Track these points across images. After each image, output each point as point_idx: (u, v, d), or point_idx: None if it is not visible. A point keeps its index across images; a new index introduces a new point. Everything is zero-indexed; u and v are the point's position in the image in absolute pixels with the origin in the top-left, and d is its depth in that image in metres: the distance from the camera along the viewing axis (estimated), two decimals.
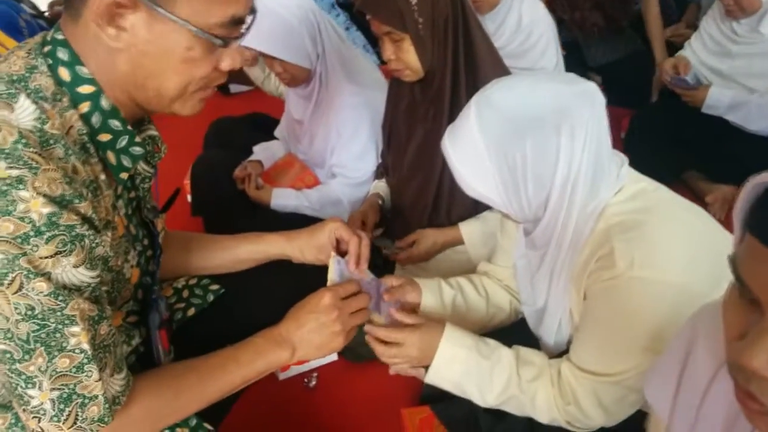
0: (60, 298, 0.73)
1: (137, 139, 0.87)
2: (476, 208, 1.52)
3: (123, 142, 0.86)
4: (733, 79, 2.25)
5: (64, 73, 0.79)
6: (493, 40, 2.00)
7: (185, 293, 1.19)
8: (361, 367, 1.52)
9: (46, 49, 0.80)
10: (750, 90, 2.19)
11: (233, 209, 1.85)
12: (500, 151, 0.96)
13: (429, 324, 1.11)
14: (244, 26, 0.83)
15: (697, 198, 2.13)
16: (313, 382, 1.51)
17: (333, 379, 1.52)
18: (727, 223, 1.06)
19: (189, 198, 2.06)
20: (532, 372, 1.06)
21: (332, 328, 0.99)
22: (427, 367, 1.11)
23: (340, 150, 1.85)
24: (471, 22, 1.42)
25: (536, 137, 0.94)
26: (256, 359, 0.96)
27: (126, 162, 0.87)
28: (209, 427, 0.99)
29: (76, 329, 0.75)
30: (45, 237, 0.71)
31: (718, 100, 2.19)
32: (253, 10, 0.84)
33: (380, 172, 1.74)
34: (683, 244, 0.93)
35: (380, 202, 1.69)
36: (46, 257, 0.71)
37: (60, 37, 0.80)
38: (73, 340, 0.75)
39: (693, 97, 2.22)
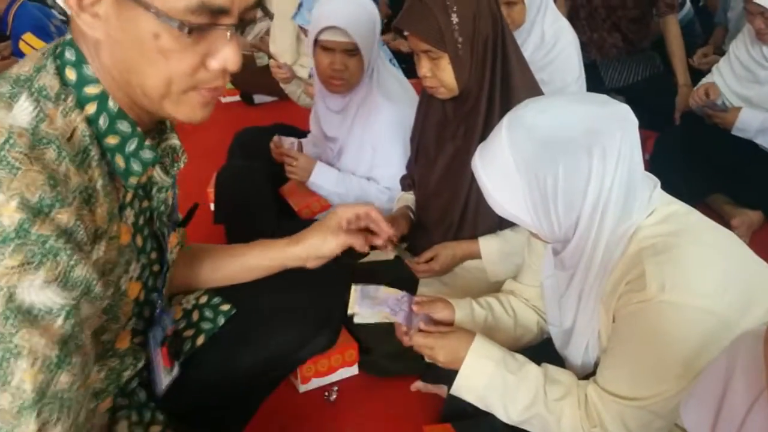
0: (11, 321, 0.65)
1: (147, 143, 0.83)
2: (500, 227, 1.52)
3: (132, 145, 0.82)
4: (759, 105, 2.24)
5: (71, 73, 0.77)
6: None
7: (195, 315, 1.12)
8: (382, 382, 1.52)
9: (58, 50, 0.78)
10: None
11: (256, 218, 1.86)
12: (531, 171, 0.96)
13: (460, 332, 1.14)
14: (230, 19, 0.74)
15: (722, 221, 2.11)
16: (334, 396, 1.51)
17: (354, 394, 1.51)
18: (752, 247, 1.06)
19: (212, 206, 2.08)
20: (559, 391, 1.05)
21: None
22: (450, 384, 1.11)
23: (376, 166, 1.87)
24: (509, 44, 1.43)
25: (568, 159, 0.94)
26: None
27: (136, 166, 0.83)
28: None
29: (23, 364, 0.66)
30: (12, 246, 0.65)
31: (749, 123, 2.18)
32: (258, 5, 0.78)
33: (407, 184, 1.75)
34: (715, 269, 0.93)
35: (411, 215, 1.69)
36: (10, 268, 0.65)
37: (68, 36, 0.78)
38: (18, 376, 0.66)
39: (723, 119, 2.21)
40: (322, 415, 1.47)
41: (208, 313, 1.12)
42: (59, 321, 0.69)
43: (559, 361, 1.15)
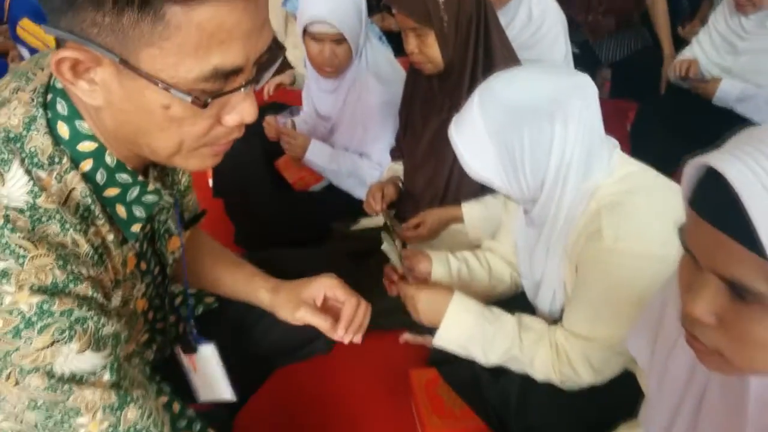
0: (59, 391, 0.68)
1: (150, 188, 0.80)
2: (482, 194, 1.62)
3: (134, 193, 0.79)
4: (739, 76, 2.32)
5: (63, 130, 0.71)
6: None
7: (178, 300, 1.12)
8: (374, 335, 1.61)
9: (49, 97, 0.71)
10: (757, 86, 2.27)
11: (252, 191, 1.95)
12: (500, 138, 1.06)
13: (439, 287, 1.24)
14: (245, 76, 0.67)
15: None
16: None
17: (347, 344, 1.61)
18: None
19: (210, 182, 2.16)
20: (532, 336, 1.16)
21: None
22: (434, 333, 1.22)
23: (367, 142, 1.96)
24: (491, 22, 1.52)
25: (533, 126, 1.04)
26: None
27: (138, 213, 0.80)
28: None
29: (82, 420, 0.71)
30: (37, 328, 0.65)
31: (728, 93, 2.26)
32: (277, 46, 0.71)
33: (396, 155, 1.85)
34: (663, 219, 1.02)
35: (400, 184, 1.80)
36: (42, 348, 0.65)
37: (59, 86, 0.71)
38: (81, 430, 0.71)
39: (704, 89, 2.29)
40: (315, 363, 1.57)
41: (190, 301, 1.14)
42: (106, 375, 0.72)
43: (530, 310, 1.27)
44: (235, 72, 0.65)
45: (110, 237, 0.76)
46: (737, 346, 0.57)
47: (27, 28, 3.20)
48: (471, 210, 1.63)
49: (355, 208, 1.90)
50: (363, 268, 1.67)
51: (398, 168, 1.82)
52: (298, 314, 1.05)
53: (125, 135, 0.71)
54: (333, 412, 1.50)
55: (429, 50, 1.48)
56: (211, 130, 0.70)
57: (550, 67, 1.20)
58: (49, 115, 0.70)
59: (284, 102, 2.50)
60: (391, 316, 1.58)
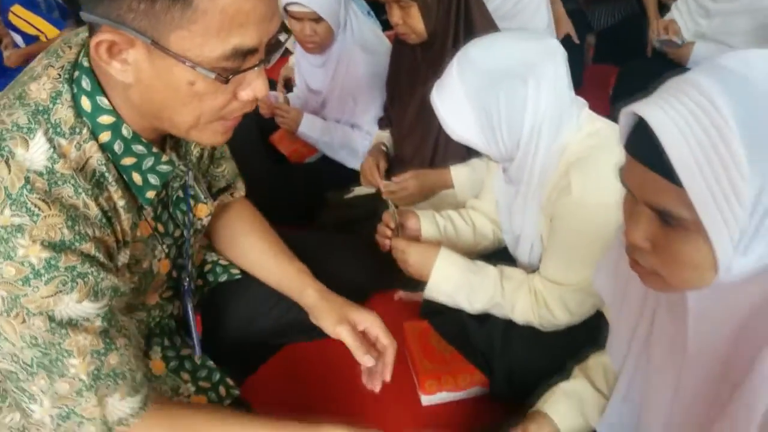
0: (57, 334, 0.76)
1: (164, 158, 0.88)
2: (469, 158, 1.72)
3: (149, 162, 0.86)
4: (713, 39, 2.40)
5: (86, 103, 0.79)
6: (487, 3, 2.18)
7: (207, 268, 1.22)
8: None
9: (76, 74, 0.79)
10: (729, 48, 2.35)
11: (248, 164, 2.02)
12: (478, 100, 1.15)
13: (427, 243, 1.34)
14: (259, 55, 0.76)
15: None
16: None
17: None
18: None
19: None
20: (513, 285, 1.27)
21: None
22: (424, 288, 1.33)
23: (359, 114, 2.04)
24: None
25: (507, 88, 1.13)
26: None
27: (153, 180, 0.88)
28: (231, 382, 1.10)
29: (74, 361, 0.78)
30: (44, 279, 0.73)
31: (702, 56, 2.35)
32: (284, 30, 0.79)
33: (383, 124, 1.94)
34: None
35: (385, 149, 1.89)
36: (47, 296, 0.74)
37: (86, 64, 0.79)
38: (72, 370, 0.79)
39: (679, 55, 2.37)
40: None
41: (218, 269, 1.23)
42: (97, 322, 0.80)
43: (511, 263, 1.37)
44: (251, 52, 0.74)
45: (121, 202, 0.83)
46: (669, 265, 0.67)
47: (19, 14, 3.21)
48: (459, 173, 1.72)
49: (348, 177, 2.00)
50: (358, 234, 1.76)
51: (384, 135, 1.92)
52: (339, 329, 1.05)
53: (150, 109, 0.79)
54: (333, 365, 1.54)
55: (412, 21, 1.57)
56: (228, 105, 0.79)
57: (523, 33, 1.28)
58: (74, 90, 0.78)
59: (275, 78, 2.58)
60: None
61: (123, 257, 0.87)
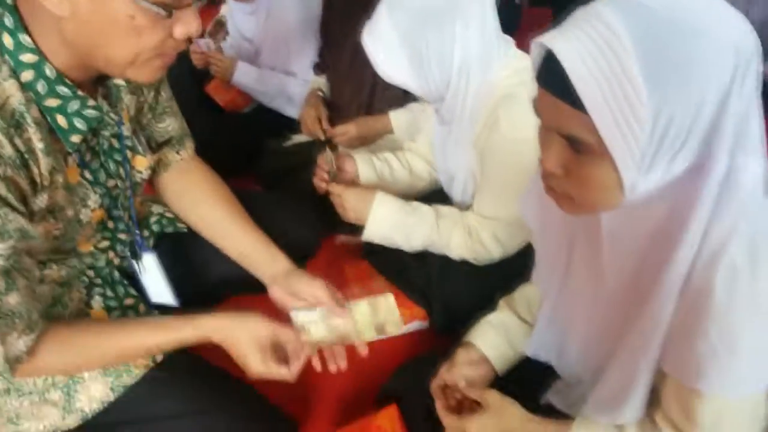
0: None
1: (90, 103, 0.87)
2: (406, 102, 1.73)
3: (75, 106, 0.85)
4: None
5: (8, 40, 0.78)
6: None
7: (153, 219, 1.24)
8: None
9: None
10: None
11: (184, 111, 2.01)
12: (408, 40, 1.16)
13: (364, 188, 1.36)
14: None
15: None
16: None
17: None
18: None
19: None
20: (447, 223, 1.31)
21: (249, 372, 1.00)
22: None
23: (293, 60, 2.02)
24: None
25: (436, 27, 1.14)
26: (176, 345, 0.98)
27: (80, 125, 0.87)
28: None
29: None
30: None
31: None
32: None
33: (319, 69, 1.93)
34: None
35: (322, 95, 1.89)
36: None
37: (9, 1, 0.79)
38: None
39: None
40: None
41: (164, 221, 1.25)
42: (0, 262, 0.80)
43: (447, 203, 1.41)
44: None
45: (40, 145, 0.82)
46: (580, 188, 0.71)
47: None
48: (398, 117, 1.73)
49: (286, 125, 1.99)
50: (296, 181, 1.77)
51: (320, 80, 1.91)
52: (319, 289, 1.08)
53: (84, 45, 0.79)
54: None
55: None
56: (164, 43, 0.81)
57: None
58: None
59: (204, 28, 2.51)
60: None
61: (40, 201, 0.85)
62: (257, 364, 0.97)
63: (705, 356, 0.68)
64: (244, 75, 2.04)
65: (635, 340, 0.79)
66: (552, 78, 0.66)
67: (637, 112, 0.61)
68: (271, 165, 1.90)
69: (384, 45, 1.19)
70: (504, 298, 1.13)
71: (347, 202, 1.33)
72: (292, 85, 2.03)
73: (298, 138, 1.93)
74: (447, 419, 0.98)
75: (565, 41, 0.63)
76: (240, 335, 0.98)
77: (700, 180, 0.66)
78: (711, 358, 0.68)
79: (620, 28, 0.61)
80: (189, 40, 0.83)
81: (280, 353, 1.00)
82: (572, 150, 0.69)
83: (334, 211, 1.39)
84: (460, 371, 1.04)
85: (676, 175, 0.67)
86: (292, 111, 1.99)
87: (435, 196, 1.46)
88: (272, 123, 2.05)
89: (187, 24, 0.80)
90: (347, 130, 1.73)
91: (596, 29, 0.62)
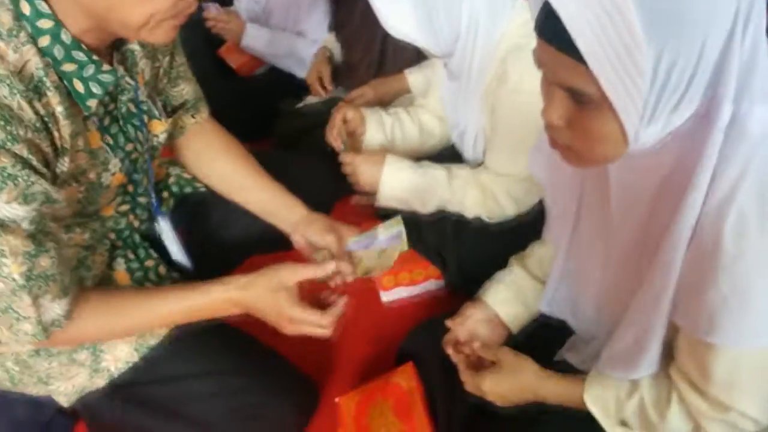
0: None
1: (105, 67, 0.89)
2: (419, 61, 1.69)
3: (90, 70, 0.88)
4: None
5: (25, 7, 0.80)
6: None
7: (171, 180, 1.28)
8: None
9: None
10: None
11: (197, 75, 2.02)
12: None
13: (374, 154, 1.35)
14: None
15: None
16: None
17: None
18: None
19: None
20: (460, 182, 1.30)
21: (283, 328, 0.99)
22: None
23: (303, 19, 2.00)
24: None
25: None
26: (205, 312, 0.99)
27: (96, 89, 0.89)
28: None
29: (6, 261, 0.81)
30: None
31: None
32: None
33: (333, 29, 1.90)
34: None
35: (328, 54, 1.86)
36: None
37: None
38: (5, 269, 0.81)
39: None
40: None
41: (182, 182, 1.29)
42: (25, 224, 0.81)
43: (458, 161, 1.39)
44: None
45: (59, 108, 0.84)
46: (583, 140, 0.69)
47: None
48: (414, 77, 1.70)
49: (300, 86, 1.97)
50: (312, 141, 1.76)
51: (329, 39, 1.89)
52: (329, 237, 1.12)
53: (98, 9, 0.81)
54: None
55: None
56: (176, 4, 0.82)
57: None
58: None
59: None
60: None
61: (62, 165, 0.87)
62: (290, 311, 0.96)
63: (716, 307, 0.67)
64: (254, 38, 2.02)
65: (647, 294, 0.78)
66: (551, 30, 0.63)
67: (636, 61, 0.59)
68: (286, 127, 1.89)
69: None
70: (515, 257, 1.12)
71: (358, 170, 1.33)
72: (303, 45, 2.00)
73: (311, 99, 1.91)
74: (464, 376, 0.98)
75: None
76: (260, 285, 0.98)
77: (705, 129, 0.64)
78: (722, 309, 0.67)
79: None
80: (199, 4, 0.85)
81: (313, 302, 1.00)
82: (574, 102, 0.67)
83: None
84: (470, 326, 1.04)
85: (681, 125, 0.65)
86: (303, 72, 1.96)
87: (446, 152, 1.45)
88: (286, 84, 2.03)
89: None
90: (364, 92, 1.71)
91: None
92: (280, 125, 1.92)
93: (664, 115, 0.64)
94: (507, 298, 1.07)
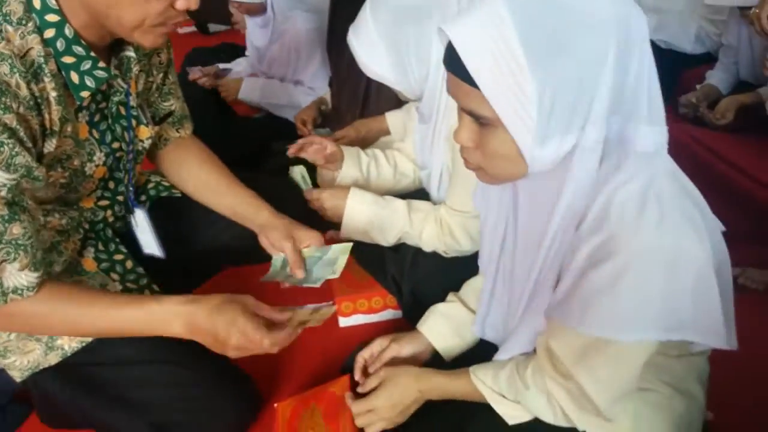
0: None
1: (101, 64, 1.00)
2: (399, 105, 1.81)
3: (87, 65, 0.98)
4: (655, 8, 2.52)
5: (36, 2, 0.91)
6: None
7: (150, 184, 1.39)
8: None
9: None
10: (666, 12, 2.47)
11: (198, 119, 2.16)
12: (389, 36, 1.24)
13: (339, 187, 1.43)
14: None
15: None
16: None
17: None
18: None
19: None
20: (420, 215, 1.37)
21: (230, 350, 1.00)
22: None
23: (301, 69, 2.16)
24: None
25: (415, 23, 1.22)
26: (148, 327, 1.00)
27: (89, 83, 0.99)
28: (156, 287, 1.24)
29: None
30: None
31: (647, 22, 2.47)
32: None
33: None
34: None
35: (322, 106, 2.00)
36: None
37: None
38: None
39: None
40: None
41: (160, 187, 1.40)
42: (3, 192, 0.89)
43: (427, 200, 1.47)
44: None
45: (53, 94, 0.94)
46: (488, 159, 0.78)
47: None
48: (394, 118, 1.80)
49: (293, 130, 2.10)
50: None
51: (327, 92, 2.02)
52: (284, 243, 1.20)
53: (97, 7, 0.92)
54: (263, 287, 1.43)
55: None
56: (167, 11, 0.93)
57: None
58: None
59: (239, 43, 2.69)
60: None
61: (49, 145, 0.97)
62: (244, 324, 0.97)
63: (590, 299, 0.73)
64: (249, 92, 2.20)
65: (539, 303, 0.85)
66: (453, 61, 0.73)
67: (524, 88, 0.68)
68: (275, 164, 2.00)
69: (367, 41, 1.27)
70: (452, 292, 1.19)
71: (325, 203, 1.40)
72: (300, 94, 2.15)
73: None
74: (354, 407, 1.05)
75: (459, 27, 0.71)
76: (215, 298, 1.00)
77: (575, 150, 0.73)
78: (595, 300, 0.73)
79: (504, 11, 0.68)
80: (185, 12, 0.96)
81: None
82: (478, 125, 0.76)
83: None
84: (391, 351, 1.13)
85: (573, 145, 0.73)
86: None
87: (417, 194, 1.52)
88: (282, 127, 2.16)
89: None
90: (347, 133, 1.81)
91: (485, 14, 0.69)
92: (271, 163, 2.03)
93: (555, 138, 0.72)
94: (442, 329, 1.14)
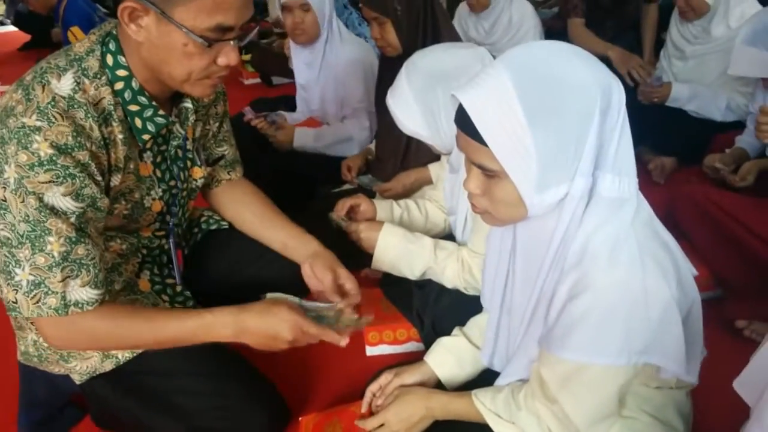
0: (43, 214, 0.99)
1: (161, 112, 1.15)
2: (435, 156, 1.95)
3: (149, 112, 1.14)
4: (686, 80, 2.61)
5: (110, 59, 1.07)
6: (487, 37, 2.66)
7: (202, 218, 1.54)
8: None
9: (106, 39, 1.08)
10: (698, 84, 2.57)
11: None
12: (421, 98, 1.41)
13: (371, 223, 1.57)
14: (233, 33, 1.04)
15: (643, 166, 2.51)
16: None
17: None
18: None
19: None
20: (445, 254, 1.50)
21: (281, 343, 1.15)
22: None
23: (348, 98, 2.35)
24: (438, 12, 1.89)
25: (444, 86, 1.38)
26: (202, 336, 1.14)
27: (150, 127, 1.15)
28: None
29: (51, 239, 1.00)
30: (44, 168, 0.98)
31: (680, 92, 2.58)
32: (253, 19, 1.06)
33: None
34: None
35: (369, 156, 2.17)
36: (43, 182, 0.98)
37: (114, 32, 1.09)
38: (49, 247, 1.00)
39: (660, 94, 2.60)
40: None
41: (211, 221, 1.55)
42: (72, 218, 1.02)
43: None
44: (229, 29, 1.03)
45: (120, 136, 1.10)
46: (493, 204, 0.91)
47: (76, 34, 3.57)
48: (436, 169, 1.95)
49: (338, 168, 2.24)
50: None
51: (372, 143, 2.22)
52: (326, 274, 1.32)
53: (154, 63, 1.07)
54: None
55: (388, 36, 1.85)
56: (209, 67, 1.07)
57: (457, 44, 1.55)
58: (104, 49, 1.09)
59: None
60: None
61: (114, 180, 1.12)
62: (292, 319, 1.12)
63: (568, 327, 0.84)
64: (303, 140, 2.35)
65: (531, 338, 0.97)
66: (464, 121, 0.86)
67: (526, 146, 0.81)
68: (319, 207, 2.15)
69: (403, 102, 1.44)
70: (458, 327, 1.31)
71: (361, 233, 1.54)
72: (350, 126, 2.33)
73: (347, 186, 2.20)
74: (367, 424, 1.17)
75: (470, 92, 0.84)
76: (258, 304, 1.17)
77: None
78: (572, 328, 0.84)
79: (508, 82, 0.81)
80: (229, 67, 1.09)
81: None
82: (485, 176, 0.89)
83: (361, 251, 1.59)
84: (395, 384, 1.23)
85: (566, 194, 0.86)
86: (353, 150, 2.30)
87: (445, 238, 1.65)
88: (330, 169, 2.28)
89: (227, 55, 1.06)
90: (392, 186, 1.95)
91: (491, 83, 0.83)
92: (315, 205, 2.19)
93: (552, 186, 0.84)
94: (446, 361, 1.25)
